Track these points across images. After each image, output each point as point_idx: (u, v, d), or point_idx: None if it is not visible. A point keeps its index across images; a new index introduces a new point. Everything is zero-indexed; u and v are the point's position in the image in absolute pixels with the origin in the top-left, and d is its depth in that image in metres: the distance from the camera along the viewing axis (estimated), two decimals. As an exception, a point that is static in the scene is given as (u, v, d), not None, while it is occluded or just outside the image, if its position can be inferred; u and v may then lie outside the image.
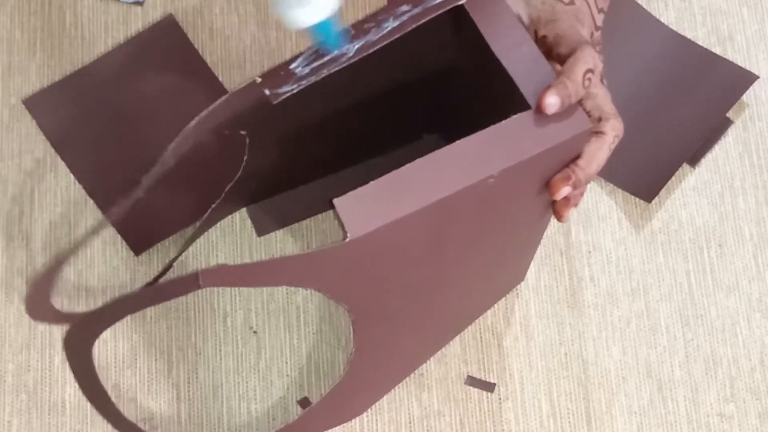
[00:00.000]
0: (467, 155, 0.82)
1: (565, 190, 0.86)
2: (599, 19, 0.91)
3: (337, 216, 0.79)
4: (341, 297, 0.86)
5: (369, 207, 0.79)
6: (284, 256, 0.80)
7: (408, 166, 0.81)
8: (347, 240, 0.79)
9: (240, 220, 1.13)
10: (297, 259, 0.81)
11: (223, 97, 0.89)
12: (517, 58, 0.85)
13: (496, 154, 0.82)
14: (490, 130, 0.83)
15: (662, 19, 1.20)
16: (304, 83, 0.88)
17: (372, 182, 0.80)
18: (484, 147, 0.82)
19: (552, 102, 0.82)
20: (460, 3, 0.87)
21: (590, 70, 0.84)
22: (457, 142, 0.82)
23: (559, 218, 0.89)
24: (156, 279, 1.10)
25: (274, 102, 0.88)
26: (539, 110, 0.82)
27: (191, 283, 0.80)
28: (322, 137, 1.02)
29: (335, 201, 0.79)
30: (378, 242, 0.81)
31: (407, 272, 0.89)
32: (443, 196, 0.81)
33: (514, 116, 0.83)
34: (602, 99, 0.87)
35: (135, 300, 0.86)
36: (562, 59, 0.86)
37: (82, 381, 0.97)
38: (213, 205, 1.08)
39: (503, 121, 0.82)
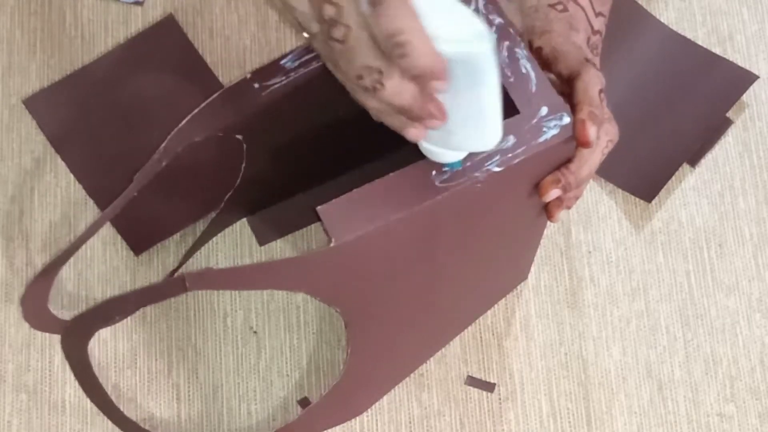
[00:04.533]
0: None
1: (554, 193, 0.86)
2: (597, 23, 0.91)
3: (321, 223, 0.80)
4: (332, 300, 0.86)
5: (353, 213, 0.80)
6: (270, 261, 0.80)
7: (394, 173, 0.81)
8: (331, 245, 0.79)
9: (240, 222, 1.13)
10: (283, 263, 0.82)
11: (215, 95, 0.90)
12: (508, 62, 0.85)
13: (482, 159, 0.82)
14: None
15: (662, 19, 1.20)
16: (293, 75, 0.88)
17: (357, 189, 0.81)
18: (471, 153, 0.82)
19: (593, 132, 0.83)
20: None
21: (602, 90, 0.85)
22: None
23: (550, 218, 0.90)
24: None
25: (263, 93, 0.88)
26: (586, 145, 0.83)
27: (178, 286, 0.80)
28: (319, 143, 1.02)
29: (318, 209, 0.80)
30: (364, 248, 0.81)
31: (398, 276, 0.89)
32: (429, 203, 0.81)
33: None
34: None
35: (124, 302, 0.87)
36: (562, 78, 0.87)
37: (81, 379, 0.98)
38: (213, 215, 1.08)
39: None
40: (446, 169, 0.82)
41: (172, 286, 0.81)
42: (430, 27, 0.72)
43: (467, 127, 0.78)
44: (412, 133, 0.77)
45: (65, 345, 0.92)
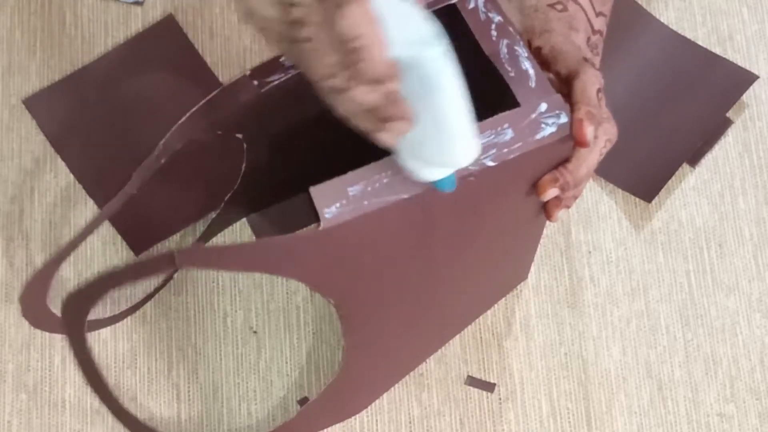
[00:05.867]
0: None
1: (552, 192, 0.86)
2: (598, 22, 0.91)
3: (312, 204, 0.80)
4: (323, 288, 0.86)
5: (344, 197, 0.80)
6: (260, 240, 0.80)
7: (387, 158, 0.81)
8: (321, 228, 0.79)
9: (240, 222, 1.12)
10: (272, 243, 0.82)
11: (214, 92, 0.90)
12: (508, 59, 0.85)
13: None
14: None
15: (662, 19, 1.20)
16: (292, 72, 0.88)
17: (350, 173, 0.81)
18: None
19: (590, 132, 0.83)
20: (453, 1, 0.87)
21: (600, 89, 0.85)
22: None
23: (549, 218, 0.90)
24: (157, 290, 1.10)
25: (262, 90, 0.88)
26: (583, 145, 0.83)
27: (167, 261, 0.80)
28: (319, 141, 1.02)
29: (311, 189, 0.80)
30: (354, 233, 0.81)
31: (392, 268, 0.89)
32: (421, 191, 0.81)
33: (500, 114, 0.83)
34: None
35: (116, 276, 0.87)
36: (561, 78, 0.87)
37: (82, 365, 0.97)
38: (214, 216, 1.08)
39: (488, 119, 0.83)
40: (438, 188, 0.82)
41: (162, 261, 0.81)
42: (386, 31, 0.72)
43: (435, 138, 0.78)
44: (384, 137, 0.77)
45: (66, 317, 0.92)
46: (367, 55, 0.71)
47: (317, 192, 0.80)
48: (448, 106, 0.77)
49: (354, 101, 0.74)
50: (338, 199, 0.80)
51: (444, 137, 0.78)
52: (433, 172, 0.81)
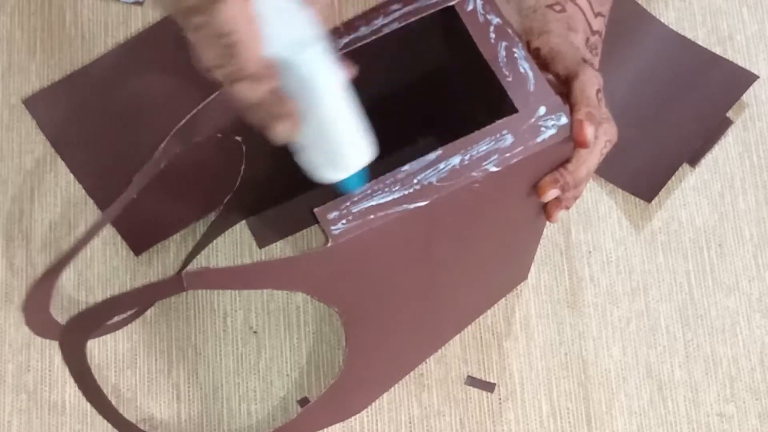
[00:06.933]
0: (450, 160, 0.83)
1: (552, 193, 0.86)
2: (596, 23, 0.91)
3: (319, 223, 0.80)
4: (329, 299, 0.87)
5: (350, 214, 0.80)
6: (268, 260, 0.80)
7: (390, 173, 0.82)
8: (329, 245, 0.80)
9: (240, 224, 1.12)
10: (281, 263, 0.82)
11: (213, 95, 0.90)
12: (506, 61, 0.85)
13: (480, 159, 0.82)
14: (474, 135, 0.83)
15: (662, 19, 1.20)
16: None
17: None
18: (468, 152, 0.82)
19: (590, 133, 0.83)
20: (451, 4, 0.87)
21: (599, 90, 0.85)
22: (441, 147, 0.82)
23: (549, 219, 0.90)
24: None
25: None
26: (584, 145, 0.83)
27: (176, 285, 0.80)
28: None
29: (315, 211, 0.80)
30: (361, 247, 0.81)
31: (396, 275, 0.89)
32: (426, 202, 0.81)
33: (499, 121, 0.83)
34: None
35: (122, 301, 0.87)
36: (560, 78, 0.87)
37: (80, 381, 0.98)
38: (213, 219, 1.08)
39: (487, 127, 0.83)
40: (343, 191, 0.81)
41: (170, 285, 0.81)
42: (267, 29, 0.72)
43: (323, 140, 0.78)
44: (274, 134, 0.77)
45: (64, 346, 0.92)
46: (241, 52, 0.71)
47: (322, 212, 0.80)
48: (329, 109, 0.76)
49: (240, 95, 0.74)
50: (344, 216, 0.80)
51: (331, 140, 0.78)
52: (330, 173, 0.80)
